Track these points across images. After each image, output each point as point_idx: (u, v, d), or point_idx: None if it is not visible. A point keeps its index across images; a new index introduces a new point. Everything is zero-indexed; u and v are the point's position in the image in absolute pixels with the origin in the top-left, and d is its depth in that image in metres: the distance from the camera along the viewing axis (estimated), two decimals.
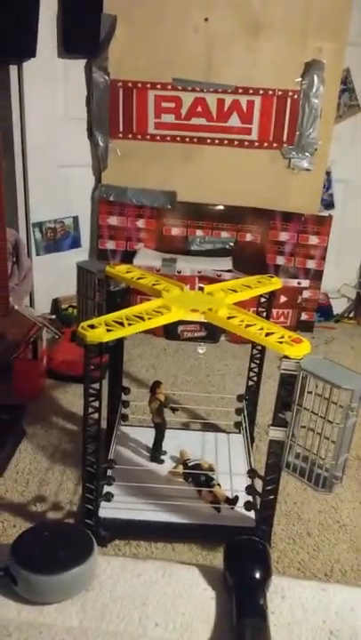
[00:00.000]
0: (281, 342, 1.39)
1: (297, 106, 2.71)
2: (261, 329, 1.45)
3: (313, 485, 1.39)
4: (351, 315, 3.19)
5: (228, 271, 2.81)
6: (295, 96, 2.70)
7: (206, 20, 2.63)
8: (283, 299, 2.85)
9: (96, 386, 1.40)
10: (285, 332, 1.44)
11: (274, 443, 1.44)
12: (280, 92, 2.70)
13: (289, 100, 2.71)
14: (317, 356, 1.38)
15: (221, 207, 2.92)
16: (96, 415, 1.43)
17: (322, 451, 1.38)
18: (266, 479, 1.50)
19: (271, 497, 1.52)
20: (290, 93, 2.70)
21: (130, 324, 1.41)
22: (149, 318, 1.46)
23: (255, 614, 0.93)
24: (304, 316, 3.02)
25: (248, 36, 2.65)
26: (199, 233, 2.97)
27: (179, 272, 2.80)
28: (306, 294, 2.96)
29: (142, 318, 1.45)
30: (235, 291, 1.71)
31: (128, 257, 2.92)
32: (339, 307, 3.17)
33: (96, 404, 1.41)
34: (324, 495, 1.70)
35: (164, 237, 2.98)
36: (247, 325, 1.47)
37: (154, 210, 2.92)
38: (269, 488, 1.51)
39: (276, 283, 1.82)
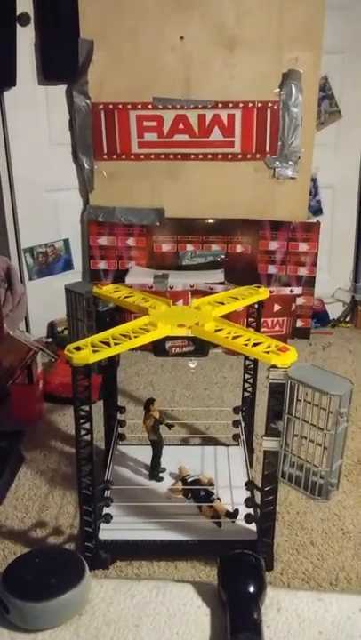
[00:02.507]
0: (268, 352, 1.39)
1: (277, 116, 2.74)
2: (248, 340, 1.46)
3: (309, 494, 1.38)
4: (348, 319, 3.18)
5: (221, 283, 2.82)
6: (275, 106, 2.73)
7: (182, 38, 2.68)
8: (277, 307, 2.85)
9: (86, 407, 1.41)
10: (272, 341, 1.44)
11: (268, 453, 1.44)
12: (260, 104, 2.74)
13: (269, 111, 2.74)
14: (305, 363, 1.38)
15: (210, 221, 2.94)
16: (88, 437, 1.43)
17: (316, 458, 1.38)
18: (264, 490, 1.49)
19: (270, 508, 1.51)
20: (269, 104, 2.73)
21: (116, 344, 1.42)
22: (136, 336, 1.47)
23: (248, 629, 0.93)
24: (300, 323, 3.02)
25: (224, 50, 2.69)
26: (190, 247, 2.98)
27: (171, 287, 2.81)
28: (300, 301, 2.96)
29: (129, 337, 1.46)
30: (222, 303, 1.72)
31: (120, 276, 2.94)
32: (335, 312, 3.17)
33: (87, 425, 1.42)
34: (321, 503, 1.68)
35: (154, 254, 3.00)
36: (234, 337, 1.48)
37: (143, 228, 2.95)
38: (268, 499, 1.50)
39: (263, 293, 1.82)
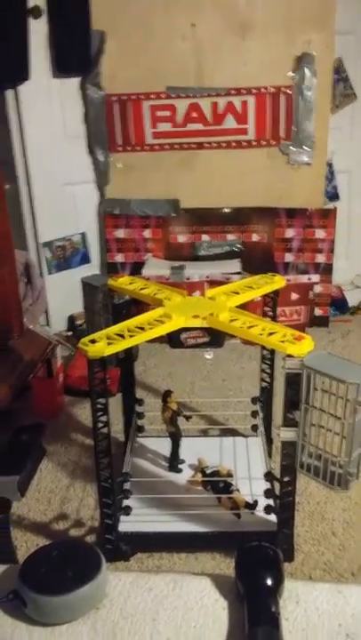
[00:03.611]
0: (283, 341, 1.37)
1: (291, 101, 2.69)
2: (264, 329, 1.44)
3: (329, 484, 1.36)
4: None
5: (237, 273, 2.79)
6: (288, 91, 2.68)
7: (193, 25, 2.64)
8: (294, 296, 2.82)
9: (103, 400, 1.41)
10: (288, 330, 1.42)
11: (286, 443, 1.42)
12: (273, 89, 2.69)
13: (282, 96, 2.70)
14: (321, 352, 1.36)
15: (225, 210, 2.91)
16: (105, 429, 1.43)
17: (335, 448, 1.36)
18: (282, 481, 1.48)
19: (290, 499, 1.50)
20: (283, 89, 2.68)
21: (131, 336, 1.41)
22: (151, 328, 1.46)
23: (267, 622, 0.92)
24: (318, 312, 2.98)
25: (236, 36, 2.65)
26: (206, 238, 2.96)
27: (188, 279, 2.80)
28: (318, 289, 2.92)
29: (144, 329, 1.45)
30: (237, 293, 1.70)
31: (137, 268, 2.94)
32: (354, 299, 3.11)
33: (104, 418, 1.42)
34: (341, 493, 1.66)
35: (171, 245, 2.98)
36: (249, 327, 1.46)
37: (159, 219, 2.93)
38: (287, 490, 1.49)
39: (279, 281, 1.80)
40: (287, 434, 1.40)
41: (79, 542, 1.49)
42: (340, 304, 3.06)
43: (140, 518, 1.60)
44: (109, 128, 2.80)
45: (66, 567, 1.00)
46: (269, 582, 0.99)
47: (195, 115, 2.77)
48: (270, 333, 1.41)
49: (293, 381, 1.35)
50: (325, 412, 1.32)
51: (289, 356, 1.34)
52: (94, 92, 2.75)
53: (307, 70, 2.64)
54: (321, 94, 2.67)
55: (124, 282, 1.77)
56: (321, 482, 1.37)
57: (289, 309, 2.85)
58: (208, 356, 2.45)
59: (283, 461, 1.45)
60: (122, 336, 1.39)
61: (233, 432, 2.07)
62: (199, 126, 2.79)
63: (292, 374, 1.34)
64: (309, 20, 2.57)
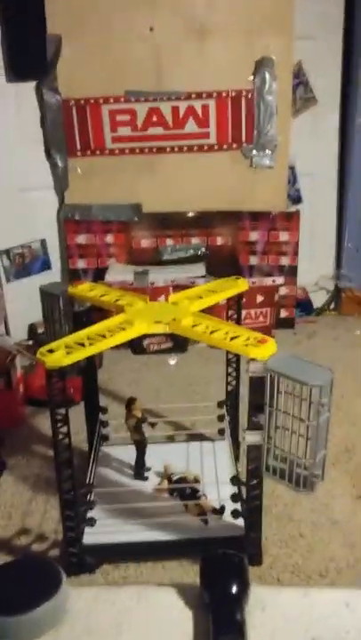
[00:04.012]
0: (246, 345, 1.36)
1: (252, 104, 2.70)
2: (227, 333, 1.43)
3: (295, 487, 1.36)
4: (332, 306, 3.16)
5: (203, 277, 2.78)
6: (249, 95, 2.69)
7: (152, 29, 2.63)
8: (260, 298, 2.83)
9: (62, 411, 1.37)
10: (251, 333, 1.41)
11: (251, 447, 1.41)
12: (233, 93, 2.70)
13: (243, 100, 2.70)
14: (284, 354, 1.36)
15: (189, 214, 2.90)
16: (66, 441, 1.40)
17: (300, 450, 1.36)
18: (249, 485, 1.47)
19: (257, 502, 1.49)
20: (243, 93, 2.69)
21: (91, 344, 1.38)
22: (112, 335, 1.43)
23: (232, 631, 0.90)
24: (284, 313, 2.99)
25: (195, 40, 2.64)
26: (169, 242, 2.94)
27: (152, 283, 2.78)
28: (283, 291, 2.94)
29: (104, 336, 1.42)
30: (200, 297, 1.69)
31: (100, 274, 2.89)
32: (318, 300, 3.14)
33: (65, 429, 1.38)
34: (306, 495, 1.66)
35: (134, 250, 2.95)
36: (212, 332, 1.45)
37: (121, 224, 2.90)
38: (254, 494, 1.48)
39: (242, 284, 1.79)
40: (252, 437, 1.39)
41: (37, 558, 1.44)
42: (305, 305, 3.08)
43: (105, 529, 1.56)
44: (67, 132, 2.76)
45: (23, 585, 0.96)
46: (234, 590, 0.97)
47: (155, 119, 2.75)
48: (233, 337, 1.40)
49: (257, 384, 1.34)
50: (290, 415, 1.31)
51: (252, 359, 1.33)
52: (51, 97, 2.71)
53: (267, 74, 2.65)
54: (281, 98, 2.69)
55: (84, 289, 1.73)
56: (287, 484, 1.37)
57: (255, 311, 2.85)
58: (172, 362, 2.42)
59: (249, 465, 1.44)
60: (82, 344, 1.36)
61: (200, 437, 2.04)
62: (160, 130, 2.77)
63: (255, 377, 1.33)
64: (268, 25, 2.59)
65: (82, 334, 1.42)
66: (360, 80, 2.77)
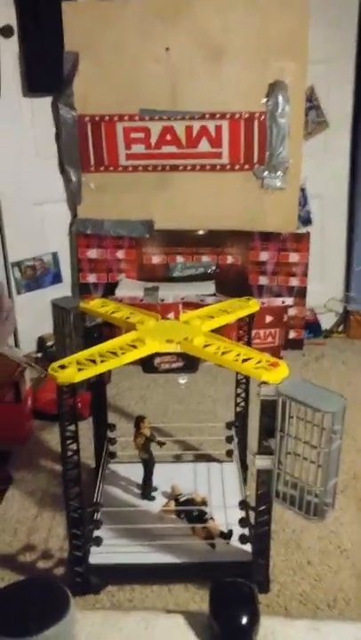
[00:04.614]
0: (258, 368, 1.35)
1: (265, 126, 2.72)
2: (238, 355, 1.42)
3: (305, 514, 1.34)
4: (340, 329, 3.15)
5: (212, 295, 2.78)
6: (262, 117, 2.71)
7: (167, 49, 2.66)
8: (269, 318, 2.82)
9: (73, 427, 1.36)
10: (263, 356, 1.40)
11: (261, 472, 1.40)
12: (247, 115, 2.72)
13: (256, 122, 2.72)
14: (297, 379, 1.35)
15: (200, 232, 2.91)
16: (75, 458, 1.38)
17: (311, 477, 1.34)
18: (258, 510, 1.45)
19: (265, 528, 1.47)
20: (256, 115, 2.71)
21: (103, 361, 1.38)
22: (123, 353, 1.43)
23: None
24: (292, 334, 2.98)
25: (210, 61, 2.67)
26: (180, 259, 2.95)
27: (162, 300, 2.78)
28: (292, 312, 2.93)
29: (116, 354, 1.42)
30: (212, 317, 1.68)
31: (110, 289, 2.90)
32: (327, 322, 3.13)
33: (74, 446, 1.37)
34: (316, 523, 1.64)
35: (144, 266, 2.96)
36: (223, 353, 1.44)
37: (133, 240, 2.91)
38: (262, 519, 1.46)
39: (253, 305, 1.79)
40: (263, 462, 1.37)
41: (45, 580, 1.42)
42: (313, 327, 3.07)
43: (111, 549, 1.54)
44: (82, 148, 2.78)
45: (30, 607, 0.95)
46: (244, 621, 0.95)
47: (169, 137, 2.77)
48: (245, 359, 1.39)
49: (269, 409, 1.33)
50: (301, 441, 1.30)
51: (264, 382, 1.32)
52: (67, 112, 2.74)
53: (280, 97, 2.67)
54: (294, 121, 2.70)
55: (95, 304, 1.73)
56: (297, 512, 1.35)
57: (263, 332, 2.84)
58: (182, 381, 2.41)
59: (258, 490, 1.42)
60: (93, 361, 1.36)
61: (208, 458, 2.02)
62: (173, 149, 2.79)
63: (267, 401, 1.32)
64: (282, 49, 2.62)
65: (93, 351, 1.42)
66: None
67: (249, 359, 1.39)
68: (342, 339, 3.13)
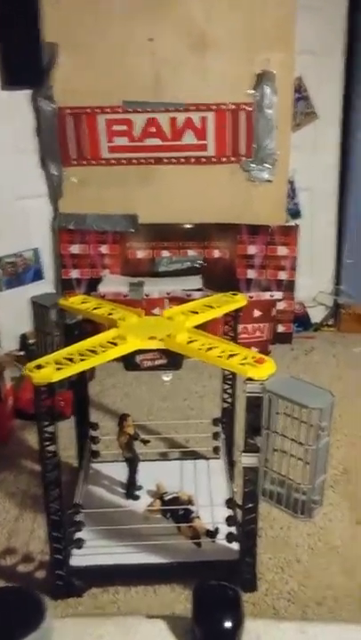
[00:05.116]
0: (244, 364, 1.31)
1: (251, 118, 2.67)
2: (223, 352, 1.38)
3: (292, 512, 1.31)
4: (330, 322, 3.12)
5: (199, 290, 2.74)
6: (249, 108, 2.66)
7: (151, 39, 2.60)
8: (257, 313, 2.78)
9: (51, 429, 1.32)
10: (249, 352, 1.37)
11: (248, 470, 1.36)
12: (233, 106, 2.67)
13: (243, 113, 2.68)
14: (283, 375, 1.31)
15: (186, 226, 2.86)
16: (55, 459, 1.34)
17: (298, 474, 1.31)
18: (244, 508, 1.42)
19: (252, 526, 1.44)
20: (243, 106, 2.66)
21: (82, 360, 1.33)
22: (104, 351, 1.38)
23: None
24: (281, 328, 2.95)
25: (195, 52, 2.62)
26: (166, 254, 2.90)
27: (147, 295, 2.73)
28: (281, 306, 2.89)
29: (96, 352, 1.37)
30: (196, 312, 1.64)
31: (94, 284, 2.85)
32: (317, 315, 3.10)
33: (53, 447, 1.33)
34: (305, 521, 1.60)
35: (129, 261, 2.91)
36: (208, 349, 1.40)
37: (116, 234, 2.86)
38: (249, 517, 1.42)
39: (240, 300, 1.75)
40: (249, 460, 1.34)
41: (20, 588, 1.37)
42: (303, 321, 3.04)
43: (93, 551, 1.50)
44: (62, 142, 2.72)
45: (5, 618, 0.90)
46: (228, 626, 0.92)
47: (153, 129, 2.72)
48: (231, 355, 1.35)
49: (255, 406, 1.29)
50: (288, 438, 1.26)
51: (250, 379, 1.28)
52: (46, 105, 2.67)
53: (267, 88, 2.63)
54: (282, 112, 2.66)
55: (76, 301, 1.68)
56: (284, 510, 1.31)
57: (252, 326, 2.81)
58: (166, 378, 2.36)
59: (245, 488, 1.38)
60: (72, 360, 1.31)
61: (194, 454, 1.99)
62: (157, 141, 2.74)
63: (253, 398, 1.29)
64: (269, 39, 2.57)
65: (72, 349, 1.37)
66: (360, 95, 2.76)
67: (234, 355, 1.35)
68: (333, 332, 3.10)
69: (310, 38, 2.62)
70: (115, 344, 1.42)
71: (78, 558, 1.48)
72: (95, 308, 1.64)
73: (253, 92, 2.65)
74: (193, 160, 2.76)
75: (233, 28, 2.59)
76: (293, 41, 2.59)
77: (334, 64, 2.75)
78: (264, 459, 1.32)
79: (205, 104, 2.67)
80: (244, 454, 1.34)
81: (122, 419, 1.68)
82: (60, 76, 2.62)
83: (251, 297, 2.76)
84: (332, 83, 2.78)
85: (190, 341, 1.43)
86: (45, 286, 2.85)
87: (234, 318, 1.78)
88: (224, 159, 2.75)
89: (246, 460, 1.34)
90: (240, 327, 2.75)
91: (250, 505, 1.40)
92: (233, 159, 2.75)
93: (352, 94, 2.80)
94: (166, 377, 2.36)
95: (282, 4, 2.53)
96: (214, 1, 2.57)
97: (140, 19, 2.58)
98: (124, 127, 2.72)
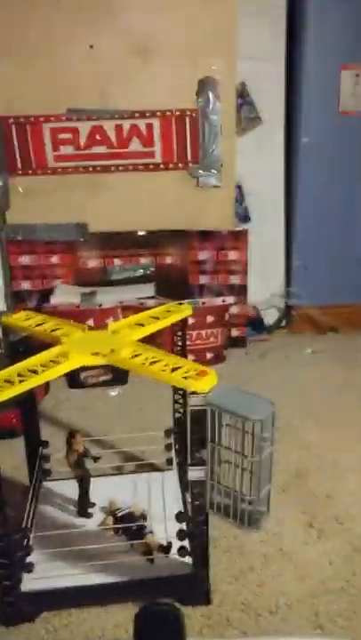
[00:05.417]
0: (186, 377, 1.31)
1: (196, 124, 2.68)
2: (167, 365, 1.37)
3: (239, 524, 1.31)
4: (283, 324, 3.16)
5: (151, 297, 2.73)
6: (193, 114, 2.67)
7: (91, 47, 2.58)
8: (210, 318, 2.79)
9: None
10: (192, 365, 1.36)
11: (195, 483, 1.36)
12: (178, 113, 2.67)
13: (188, 120, 2.68)
14: (225, 386, 1.31)
15: (137, 233, 2.85)
16: None
17: (244, 485, 1.31)
18: (194, 521, 1.41)
19: (203, 539, 1.43)
20: (187, 112, 2.67)
21: (21, 381, 1.30)
22: (44, 371, 1.35)
23: None
24: (235, 333, 2.97)
25: (137, 58, 2.61)
26: (117, 262, 2.88)
27: (100, 305, 2.70)
28: (233, 310, 2.91)
29: (36, 372, 1.34)
30: (142, 325, 1.63)
31: (46, 295, 2.81)
32: (270, 318, 3.13)
33: None
34: (251, 533, 1.61)
35: (81, 271, 2.88)
36: (152, 362, 1.39)
37: (66, 244, 2.83)
38: (200, 530, 1.42)
39: (186, 310, 1.74)
40: (195, 473, 1.33)
41: None
42: (256, 324, 3.07)
43: (44, 574, 1.47)
44: (7, 151, 2.67)
45: None
46: None
47: (98, 137, 2.70)
48: (174, 369, 1.35)
49: (198, 419, 1.29)
50: (232, 450, 1.26)
51: (192, 392, 1.28)
52: None
53: (210, 94, 2.64)
54: (226, 117, 2.68)
55: (19, 317, 1.65)
56: (231, 522, 1.31)
57: (205, 332, 2.81)
58: (113, 393, 2.34)
59: (193, 501, 1.38)
60: (10, 382, 1.28)
61: (149, 467, 1.97)
62: (104, 149, 2.72)
63: (196, 412, 1.28)
64: (210, 45, 2.58)
65: (12, 370, 1.34)
66: (303, 99, 2.79)
67: (178, 368, 1.34)
68: (285, 334, 3.14)
69: (252, 43, 2.64)
70: (57, 362, 1.39)
71: (29, 583, 1.45)
72: (39, 325, 1.61)
73: (197, 97, 2.66)
74: (140, 167, 2.75)
75: (175, 34, 2.59)
76: (234, 46, 2.61)
77: (276, 68, 2.79)
78: (210, 471, 1.32)
79: (150, 110, 2.67)
80: (190, 468, 1.33)
81: (70, 436, 1.65)
82: (3, 84, 2.57)
83: (203, 303, 2.78)
84: (275, 87, 2.81)
85: (134, 355, 1.42)
86: None
87: (181, 328, 1.78)
88: (171, 166, 2.75)
89: (193, 473, 1.33)
90: (194, 333, 2.78)
91: (199, 518, 1.39)
92: (180, 166, 2.75)
93: (295, 98, 2.84)
94: (113, 392, 2.33)
95: (222, 10, 2.55)
96: (156, 8, 2.57)
97: (79, 25, 2.55)
98: (70, 135, 2.69)
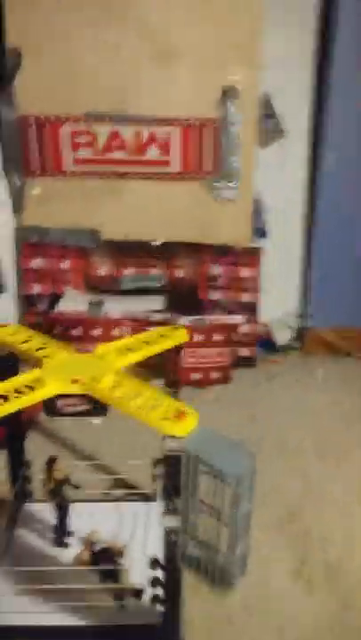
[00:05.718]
0: (164, 419, 1.21)
1: (217, 135, 2.57)
2: (147, 401, 1.28)
3: (210, 581, 1.21)
4: (295, 345, 3.03)
5: (159, 311, 2.64)
6: (213, 125, 2.56)
7: (117, 48, 2.49)
8: (218, 337, 2.68)
9: None
10: (172, 403, 1.26)
11: (169, 532, 1.26)
12: (198, 122, 2.56)
13: (208, 130, 2.57)
14: (205, 429, 1.20)
15: (151, 243, 2.76)
16: None
17: (220, 540, 1.20)
18: (167, 569, 1.32)
19: (177, 589, 1.33)
20: (208, 122, 2.56)
21: None
22: (17, 397, 1.27)
23: None
24: (244, 352, 2.85)
25: (161, 65, 2.51)
26: (128, 271, 2.80)
27: (106, 314, 2.63)
28: (243, 329, 2.79)
29: (7, 398, 1.26)
30: (132, 349, 1.54)
31: (56, 300, 2.76)
32: (282, 338, 3.00)
33: None
34: (225, 592, 1.50)
35: (91, 278, 2.81)
36: (133, 396, 1.30)
37: (79, 250, 2.76)
38: (172, 579, 1.32)
39: (181, 335, 1.64)
40: (169, 522, 1.24)
41: None
42: (267, 343, 2.95)
43: (10, 609, 1.39)
44: (25, 151, 2.61)
45: None
46: None
47: (117, 142, 2.61)
48: (153, 406, 1.25)
49: (173, 464, 1.19)
50: (206, 504, 1.16)
51: (169, 435, 1.18)
52: (8, 113, 2.56)
53: (232, 104, 2.52)
54: (246, 129, 2.55)
55: (6, 332, 1.58)
56: (202, 578, 1.21)
57: (212, 351, 2.70)
58: (96, 422, 2.24)
59: (166, 550, 1.28)
60: None
61: (136, 495, 1.87)
62: (122, 155, 2.63)
63: (171, 457, 1.18)
64: (235, 54, 2.46)
65: None
66: (330, 114, 2.66)
67: (157, 407, 1.25)
68: (297, 355, 3.00)
69: (278, 54, 2.51)
70: (32, 388, 1.31)
71: None
72: (25, 342, 1.53)
73: (218, 108, 2.55)
74: (157, 176, 2.66)
75: (201, 41, 2.48)
76: (260, 56, 2.48)
77: (303, 80, 2.66)
78: (185, 521, 1.22)
79: (170, 118, 2.57)
80: (164, 515, 1.24)
81: (50, 462, 1.57)
82: (24, 83, 2.50)
83: (211, 320, 2.67)
84: (299, 100, 2.68)
85: (114, 386, 1.33)
86: (7, 301, 2.75)
87: (175, 355, 1.68)
88: (189, 176, 2.65)
89: (166, 522, 1.24)
90: (203, 351, 2.67)
91: (173, 567, 1.30)
92: (198, 177, 2.64)
93: (321, 111, 2.71)
94: (96, 420, 2.24)
95: (248, 19, 2.43)
96: (182, 14, 2.47)
97: (105, 27, 2.46)
98: (88, 139, 2.61)
